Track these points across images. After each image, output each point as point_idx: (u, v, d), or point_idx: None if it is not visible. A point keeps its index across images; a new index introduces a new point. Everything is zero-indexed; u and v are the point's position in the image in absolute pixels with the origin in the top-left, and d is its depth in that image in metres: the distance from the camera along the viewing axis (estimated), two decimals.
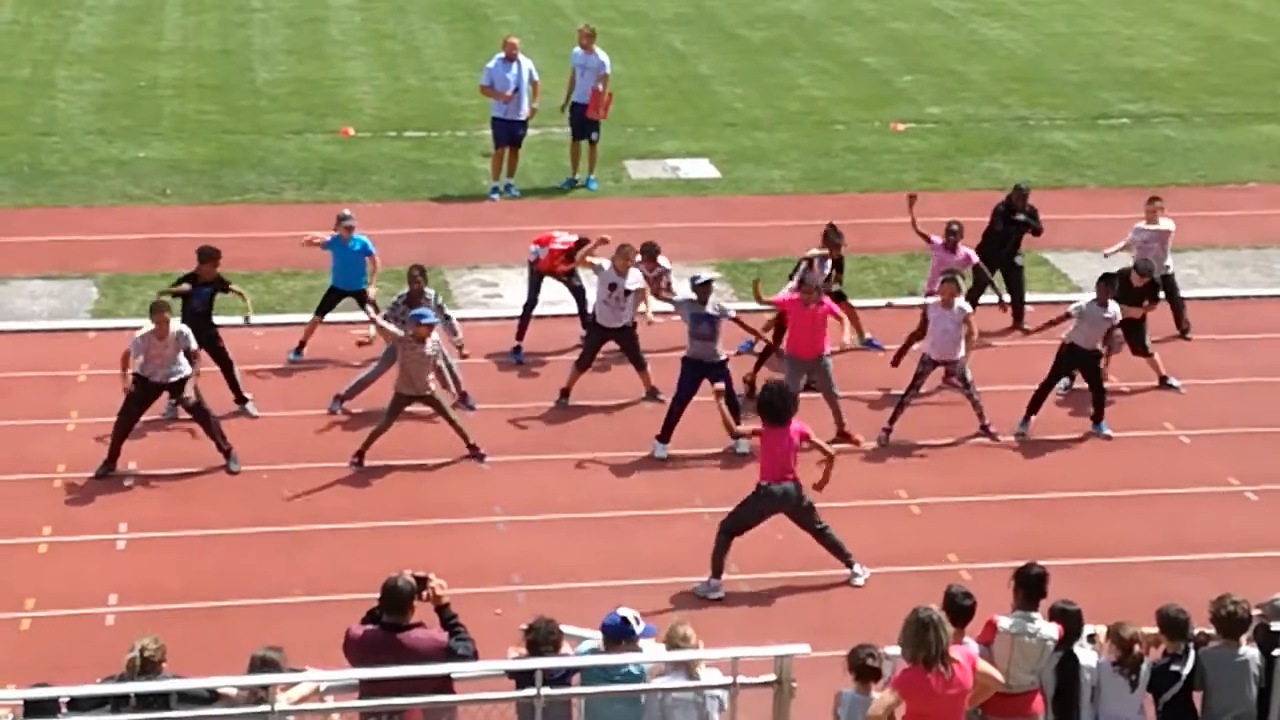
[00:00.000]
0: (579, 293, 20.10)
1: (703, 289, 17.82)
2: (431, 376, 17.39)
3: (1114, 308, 18.41)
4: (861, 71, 32.93)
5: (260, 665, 10.72)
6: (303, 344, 19.73)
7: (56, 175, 25.76)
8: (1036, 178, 26.83)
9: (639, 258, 19.14)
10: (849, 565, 15.58)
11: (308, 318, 20.50)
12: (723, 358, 17.97)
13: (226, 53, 32.98)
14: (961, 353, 18.19)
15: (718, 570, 15.32)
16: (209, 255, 18.26)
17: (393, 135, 28.17)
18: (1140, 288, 19.25)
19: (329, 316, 19.76)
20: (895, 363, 19.38)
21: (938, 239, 19.73)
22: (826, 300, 18.15)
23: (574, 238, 20.15)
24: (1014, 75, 32.81)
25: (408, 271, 18.47)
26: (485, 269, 22.67)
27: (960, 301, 18.28)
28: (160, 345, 16.90)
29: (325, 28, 35.23)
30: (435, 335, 17.47)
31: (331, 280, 19.75)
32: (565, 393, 18.87)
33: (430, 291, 18.43)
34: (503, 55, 25.52)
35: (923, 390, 18.54)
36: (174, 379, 17.10)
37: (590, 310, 19.37)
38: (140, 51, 32.89)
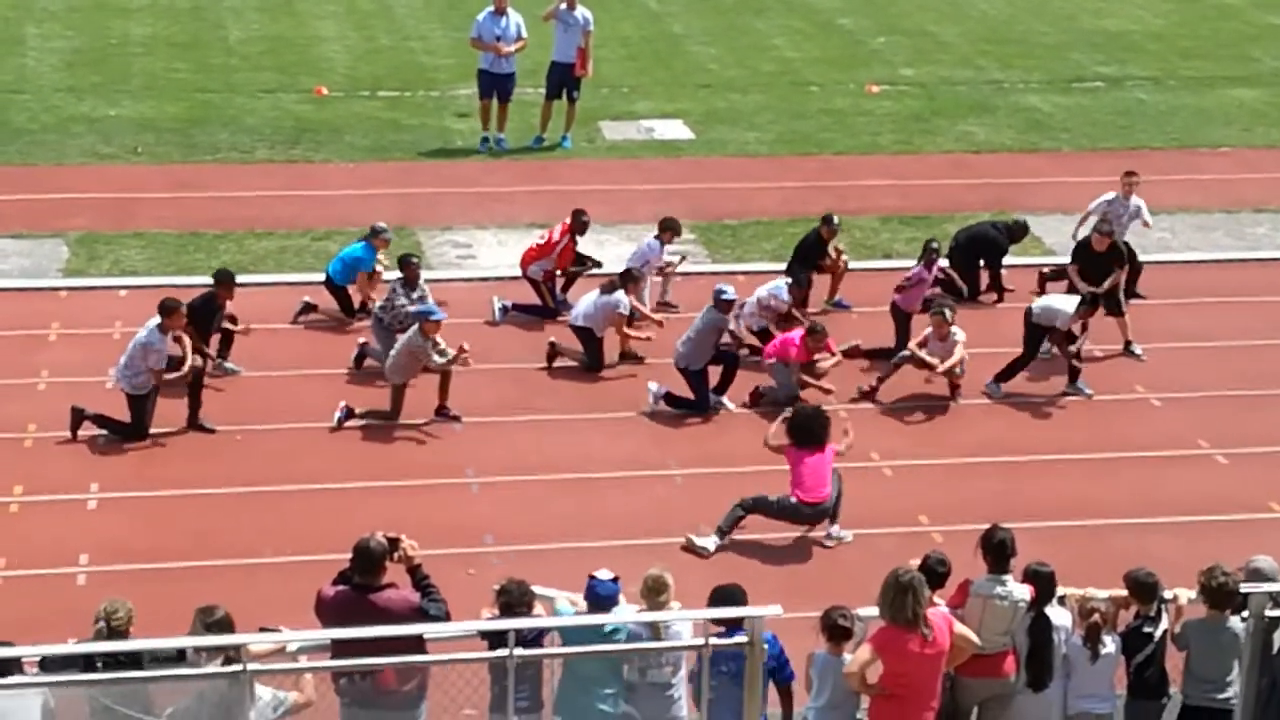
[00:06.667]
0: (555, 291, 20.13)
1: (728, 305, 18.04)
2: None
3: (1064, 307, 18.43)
4: (835, 32, 32.85)
5: (216, 625, 10.69)
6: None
7: (26, 133, 25.56)
8: (1011, 140, 26.88)
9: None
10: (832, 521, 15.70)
11: (281, 277, 20.55)
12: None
13: (198, 10, 32.71)
14: (942, 365, 18.16)
15: (722, 533, 15.47)
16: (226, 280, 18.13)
17: (366, 95, 28.01)
18: (1104, 251, 19.29)
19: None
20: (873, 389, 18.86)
21: (923, 273, 19.39)
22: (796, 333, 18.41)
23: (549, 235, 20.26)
24: (988, 37, 32.76)
25: (401, 260, 18.65)
26: (459, 230, 22.58)
27: (955, 332, 18.17)
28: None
29: None
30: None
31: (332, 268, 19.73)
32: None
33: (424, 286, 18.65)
34: (492, 9, 25.57)
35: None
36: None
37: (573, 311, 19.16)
38: (111, 9, 32.61)
